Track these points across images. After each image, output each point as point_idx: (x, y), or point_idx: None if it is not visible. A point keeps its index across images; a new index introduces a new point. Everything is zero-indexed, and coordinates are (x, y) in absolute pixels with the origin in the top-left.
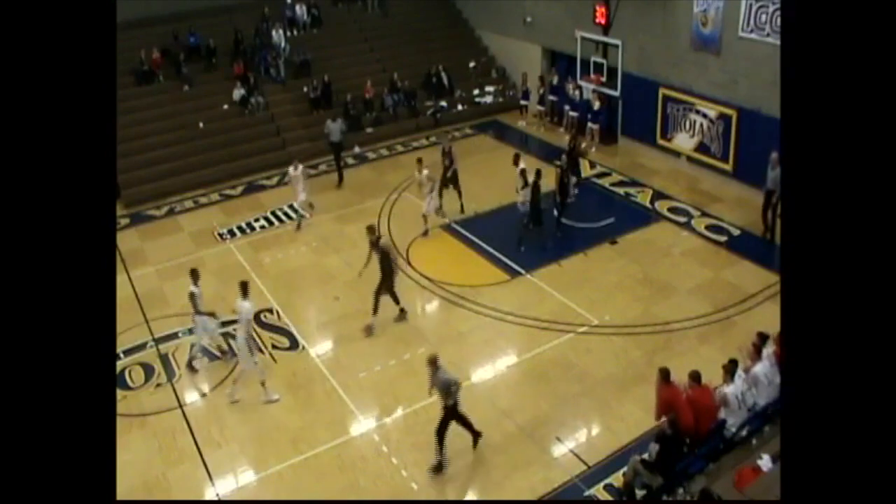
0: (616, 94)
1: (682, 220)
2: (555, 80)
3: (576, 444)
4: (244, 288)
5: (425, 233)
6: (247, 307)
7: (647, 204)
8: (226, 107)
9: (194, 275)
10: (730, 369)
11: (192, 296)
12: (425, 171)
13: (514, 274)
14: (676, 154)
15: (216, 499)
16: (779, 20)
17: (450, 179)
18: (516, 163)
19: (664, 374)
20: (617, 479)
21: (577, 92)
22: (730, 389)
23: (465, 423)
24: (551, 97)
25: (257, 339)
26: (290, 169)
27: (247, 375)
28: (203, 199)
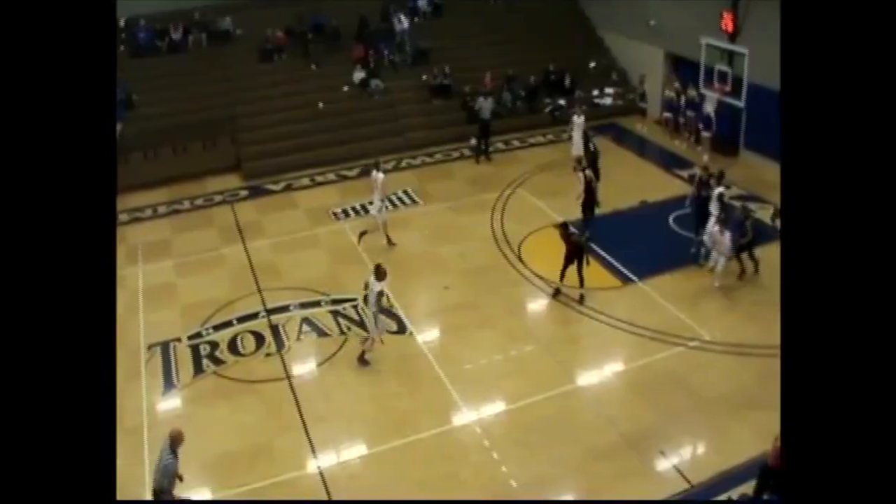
0: (740, 104)
1: None
2: (676, 87)
3: (680, 461)
4: (378, 270)
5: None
6: (377, 286)
7: (768, 221)
8: (346, 89)
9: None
10: None
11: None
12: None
13: (626, 280)
14: None
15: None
16: None
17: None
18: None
19: None
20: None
21: (698, 99)
22: None
23: None
24: (672, 104)
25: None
26: (373, 171)
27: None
28: (319, 178)
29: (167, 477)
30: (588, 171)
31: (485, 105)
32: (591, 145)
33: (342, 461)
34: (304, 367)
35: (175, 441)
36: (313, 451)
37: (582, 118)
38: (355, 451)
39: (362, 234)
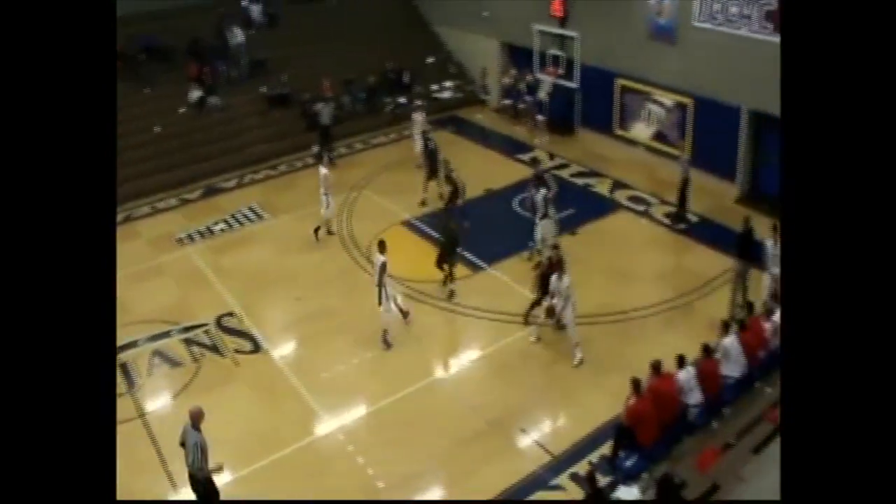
0: (574, 85)
1: (642, 208)
2: (513, 74)
3: (541, 435)
4: (380, 245)
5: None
6: (380, 259)
7: (607, 194)
8: (182, 109)
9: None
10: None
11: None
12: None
13: (477, 268)
14: (634, 143)
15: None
16: (731, 9)
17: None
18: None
19: (635, 385)
20: (582, 467)
21: (534, 83)
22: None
23: None
24: (511, 91)
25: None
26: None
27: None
28: (161, 205)
29: (202, 454)
30: (454, 175)
31: (324, 110)
32: (428, 144)
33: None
34: (157, 402)
35: (196, 418)
36: (174, 487)
37: (422, 115)
38: (218, 479)
39: (327, 231)
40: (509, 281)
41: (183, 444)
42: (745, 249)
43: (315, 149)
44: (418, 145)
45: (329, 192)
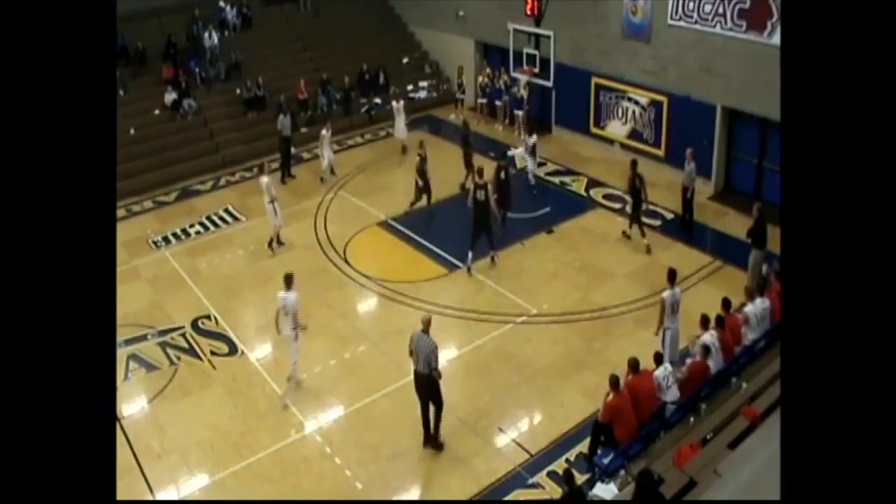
0: (549, 84)
1: (617, 206)
2: (487, 73)
3: (518, 434)
4: (288, 280)
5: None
6: (292, 298)
7: (583, 192)
8: (157, 112)
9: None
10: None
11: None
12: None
13: (452, 267)
14: (610, 141)
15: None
16: (705, 7)
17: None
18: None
19: (613, 382)
20: (559, 465)
21: (509, 82)
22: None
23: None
24: (486, 90)
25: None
26: (323, 131)
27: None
28: (136, 207)
29: (435, 356)
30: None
31: (285, 122)
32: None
33: (183, 496)
34: (134, 406)
35: (427, 324)
36: (151, 491)
37: (328, 131)
38: (195, 482)
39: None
40: (485, 279)
41: (411, 353)
42: (762, 238)
43: (291, 150)
44: (325, 161)
45: (275, 200)
